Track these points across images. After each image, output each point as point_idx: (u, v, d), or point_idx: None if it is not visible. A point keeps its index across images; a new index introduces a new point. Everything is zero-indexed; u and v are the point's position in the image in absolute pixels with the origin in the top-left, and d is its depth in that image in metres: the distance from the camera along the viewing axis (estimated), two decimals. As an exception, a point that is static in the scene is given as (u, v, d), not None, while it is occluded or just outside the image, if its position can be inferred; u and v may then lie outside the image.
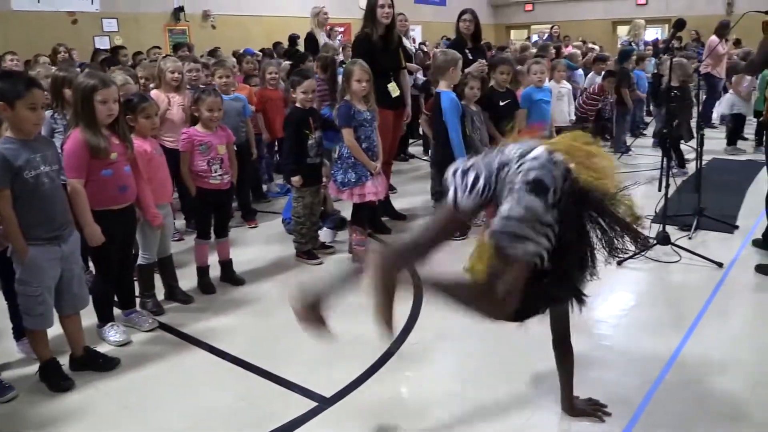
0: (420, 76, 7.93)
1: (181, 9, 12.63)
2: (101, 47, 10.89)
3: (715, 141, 8.51)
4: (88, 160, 3.21)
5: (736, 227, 5.21)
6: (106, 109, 3.23)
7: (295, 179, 4.50)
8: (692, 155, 6.51)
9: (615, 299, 4.09)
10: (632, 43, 10.41)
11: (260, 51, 10.66)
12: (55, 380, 3.08)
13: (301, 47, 9.08)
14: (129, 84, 4.48)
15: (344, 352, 3.37)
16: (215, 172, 4.10)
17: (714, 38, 9.73)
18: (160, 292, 4.03)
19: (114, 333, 3.50)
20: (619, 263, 4.46)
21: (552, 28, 13.22)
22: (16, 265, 2.92)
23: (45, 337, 3.09)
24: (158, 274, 4.05)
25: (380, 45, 5.04)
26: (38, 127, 2.94)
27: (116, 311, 3.69)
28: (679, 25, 4.64)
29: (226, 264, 4.38)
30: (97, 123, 3.22)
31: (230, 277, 4.36)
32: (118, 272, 3.54)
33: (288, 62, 7.43)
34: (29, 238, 2.87)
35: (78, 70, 4.57)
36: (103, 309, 3.53)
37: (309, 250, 4.71)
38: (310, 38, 8.16)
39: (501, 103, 5.48)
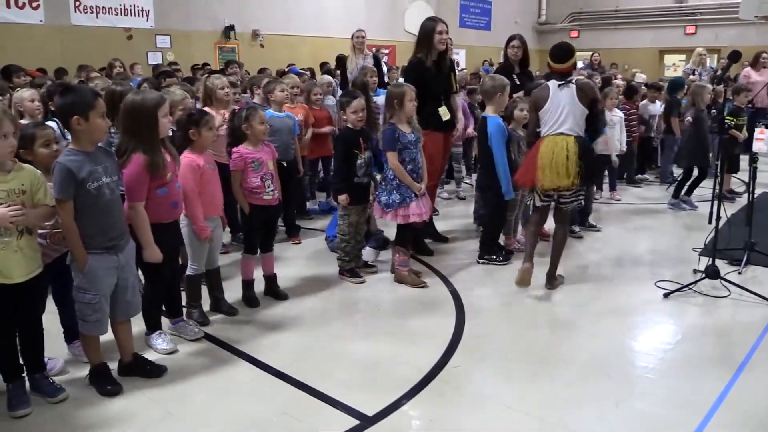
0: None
1: (231, 28, 12.95)
2: (154, 62, 11.27)
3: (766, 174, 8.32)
4: (148, 181, 3.28)
5: (788, 263, 5.08)
6: (168, 122, 3.34)
7: (342, 198, 4.55)
8: (743, 188, 6.39)
9: (661, 331, 4.02)
10: (695, 71, 10.24)
11: (305, 69, 10.90)
12: (104, 384, 3.16)
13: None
14: (187, 99, 4.60)
15: (386, 372, 3.39)
16: (268, 187, 4.18)
17: (749, 69, 9.56)
18: (205, 303, 4.10)
19: (161, 341, 3.58)
20: (666, 295, 4.40)
21: (592, 55, 12.93)
22: (74, 273, 3.02)
23: (97, 342, 3.19)
24: (205, 286, 4.13)
25: (434, 70, 5.08)
26: (106, 135, 3.04)
27: (163, 320, 3.77)
28: (734, 56, 4.57)
29: (270, 278, 4.45)
30: (159, 139, 3.30)
31: (274, 291, 4.43)
32: (167, 282, 3.63)
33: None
34: (89, 248, 2.96)
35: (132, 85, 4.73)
36: (151, 317, 3.62)
37: (352, 269, 4.75)
38: (340, 60, 8.47)
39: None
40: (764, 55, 9.63)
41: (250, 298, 4.29)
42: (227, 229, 5.44)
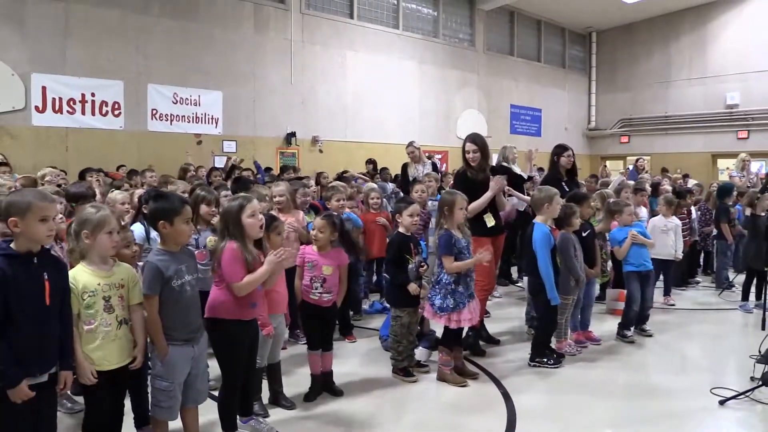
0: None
1: (293, 134, 13.76)
2: (220, 166, 12.02)
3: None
4: (244, 263, 3.49)
5: None
6: (257, 221, 3.59)
7: (413, 287, 4.70)
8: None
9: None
10: (749, 179, 10.25)
11: (361, 174, 11.46)
12: (171, 469, 3.33)
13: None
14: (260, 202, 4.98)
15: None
16: (315, 289, 4.47)
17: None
18: (264, 396, 4.26)
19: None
20: (722, 402, 4.36)
21: (637, 161, 12.91)
22: (153, 361, 3.29)
23: (167, 428, 3.40)
24: (265, 380, 4.31)
25: (476, 180, 5.49)
26: (189, 239, 3.38)
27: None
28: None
29: (327, 375, 4.60)
30: (246, 237, 3.54)
31: (330, 387, 4.58)
32: (245, 378, 3.74)
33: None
34: (169, 339, 3.23)
35: (215, 191, 5.16)
36: (228, 416, 3.69)
37: (405, 368, 4.88)
38: (403, 170, 9.19)
39: (583, 234, 5.73)
40: None
41: (309, 393, 4.45)
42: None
